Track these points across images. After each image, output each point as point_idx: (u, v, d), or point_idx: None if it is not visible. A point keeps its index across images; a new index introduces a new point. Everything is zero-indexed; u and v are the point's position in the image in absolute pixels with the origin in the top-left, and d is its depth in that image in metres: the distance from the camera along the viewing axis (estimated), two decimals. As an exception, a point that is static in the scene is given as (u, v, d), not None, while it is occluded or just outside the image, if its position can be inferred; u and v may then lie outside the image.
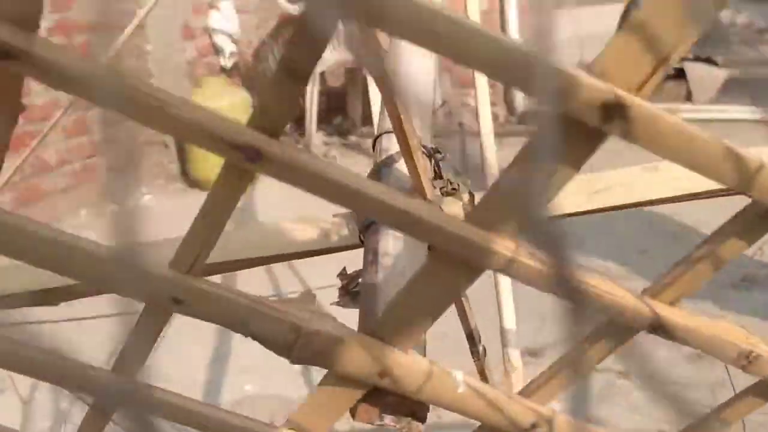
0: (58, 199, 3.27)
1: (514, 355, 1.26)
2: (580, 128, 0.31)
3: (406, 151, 0.59)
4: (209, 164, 3.44)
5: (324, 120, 4.31)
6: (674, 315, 0.39)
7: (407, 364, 0.45)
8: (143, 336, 0.47)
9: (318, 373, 0.48)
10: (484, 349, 0.85)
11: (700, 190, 0.64)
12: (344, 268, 0.70)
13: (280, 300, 0.44)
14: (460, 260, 0.39)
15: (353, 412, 0.52)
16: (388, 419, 0.53)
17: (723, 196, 0.59)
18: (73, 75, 0.30)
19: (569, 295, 0.26)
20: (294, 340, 0.43)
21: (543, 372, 0.50)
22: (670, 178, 0.67)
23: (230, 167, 0.35)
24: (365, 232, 0.62)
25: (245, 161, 0.33)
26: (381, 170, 0.68)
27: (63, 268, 0.38)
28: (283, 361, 0.48)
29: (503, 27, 4.33)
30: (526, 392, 0.50)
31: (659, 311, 0.38)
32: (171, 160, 3.83)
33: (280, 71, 0.31)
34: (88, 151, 3.40)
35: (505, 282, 1.27)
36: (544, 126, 0.30)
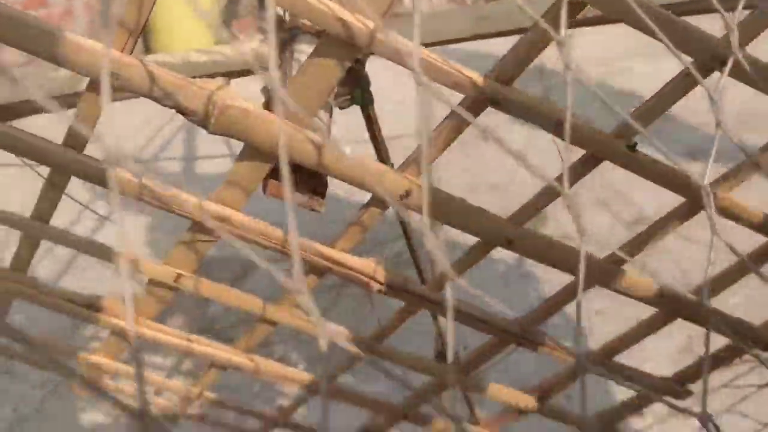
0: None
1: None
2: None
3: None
4: (174, 39, 3.19)
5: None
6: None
7: (305, 140, 0.56)
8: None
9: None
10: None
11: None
12: None
13: (200, 80, 0.53)
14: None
15: (264, 187, 0.63)
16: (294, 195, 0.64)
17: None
18: None
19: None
20: (210, 111, 0.53)
21: (416, 149, 0.62)
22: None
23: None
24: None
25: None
26: None
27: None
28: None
29: None
30: (402, 167, 0.62)
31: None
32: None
33: None
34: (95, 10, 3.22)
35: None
36: None
